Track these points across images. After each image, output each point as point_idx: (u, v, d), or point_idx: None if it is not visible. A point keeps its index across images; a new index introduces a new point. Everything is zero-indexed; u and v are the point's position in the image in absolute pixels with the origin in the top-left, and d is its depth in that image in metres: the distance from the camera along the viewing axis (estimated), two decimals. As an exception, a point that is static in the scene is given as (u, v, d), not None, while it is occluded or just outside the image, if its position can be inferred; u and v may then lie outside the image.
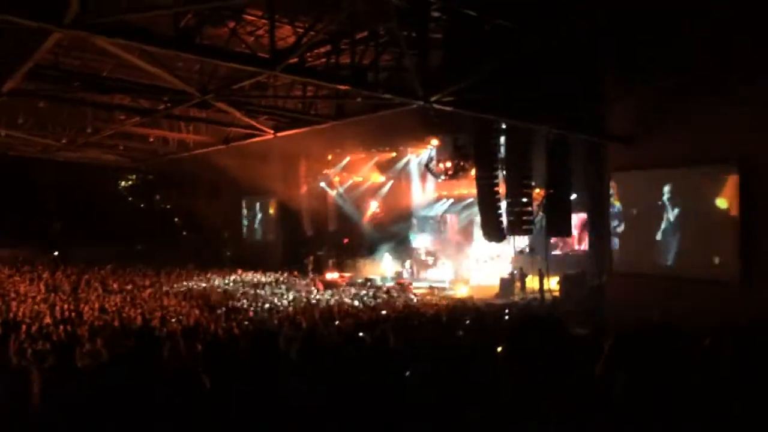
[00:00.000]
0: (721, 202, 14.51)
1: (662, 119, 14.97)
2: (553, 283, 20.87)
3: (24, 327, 11.03)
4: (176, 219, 38.94)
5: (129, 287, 20.14)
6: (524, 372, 2.01)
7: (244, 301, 18.24)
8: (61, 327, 11.74)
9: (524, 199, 17.12)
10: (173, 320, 13.39)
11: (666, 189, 15.78)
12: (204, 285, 22.50)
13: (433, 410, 3.43)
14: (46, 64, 12.82)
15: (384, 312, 16.49)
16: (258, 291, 21.06)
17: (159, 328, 11.65)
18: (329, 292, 21.39)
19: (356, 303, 18.53)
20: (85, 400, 3.25)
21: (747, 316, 10.14)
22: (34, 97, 16.48)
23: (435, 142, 23.98)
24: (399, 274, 26.36)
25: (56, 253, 30.70)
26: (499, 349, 2.33)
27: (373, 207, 29.73)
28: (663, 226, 15.84)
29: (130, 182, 39.75)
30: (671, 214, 15.65)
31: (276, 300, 18.75)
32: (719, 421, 2.23)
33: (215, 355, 5.60)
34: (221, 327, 12.11)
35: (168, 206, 39.72)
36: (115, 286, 20.21)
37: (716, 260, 14.65)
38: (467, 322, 12.98)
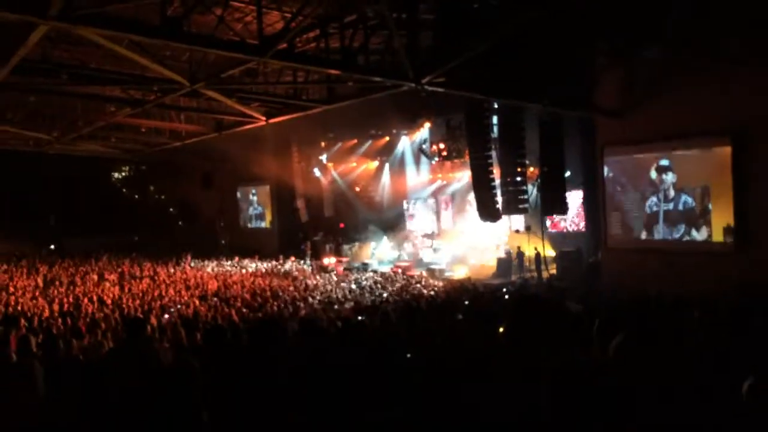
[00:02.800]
0: (714, 175, 14.57)
1: (652, 93, 14.98)
2: (550, 259, 20.96)
3: (23, 321, 11.04)
4: (171, 209, 38.89)
5: (127, 278, 20.16)
6: (523, 346, 2.05)
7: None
8: (60, 320, 11.76)
9: (518, 179, 17.13)
10: (172, 310, 13.43)
11: (658, 163, 15.83)
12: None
13: (433, 389, 3.46)
14: (34, 57, 12.71)
15: (385, 295, 16.57)
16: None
17: (159, 318, 11.70)
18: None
19: (354, 287, 18.58)
20: (87, 393, 3.27)
21: (742, 281, 10.28)
22: (24, 91, 16.35)
23: (428, 124, 23.90)
24: (397, 258, 26.41)
25: (52, 246, 30.69)
26: (501, 329, 2.37)
27: (368, 191, 29.73)
28: (656, 200, 15.92)
29: (123, 174, 39.67)
30: (664, 188, 15.71)
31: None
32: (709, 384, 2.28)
33: (215, 342, 5.62)
34: (221, 315, 12.16)
35: (163, 196, 39.66)
36: (112, 277, 20.20)
37: (711, 231, 14.76)
38: (466, 302, 13.10)
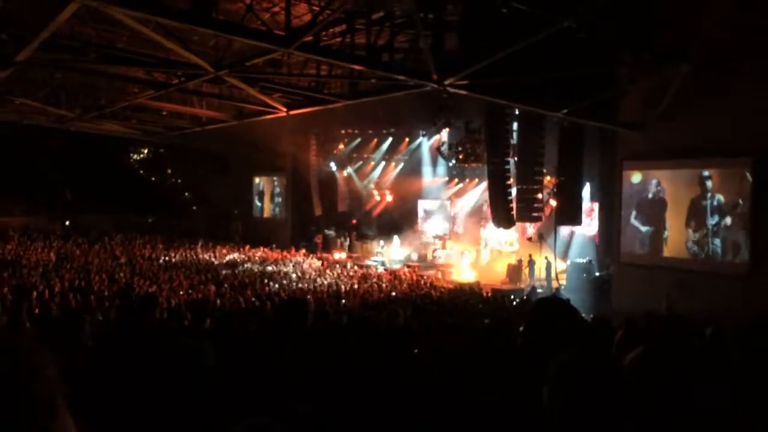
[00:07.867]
0: (733, 195, 14.44)
1: (676, 109, 14.83)
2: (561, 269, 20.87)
3: (35, 293, 11.15)
4: (186, 193, 39.09)
5: (138, 258, 20.30)
6: (539, 350, 2.05)
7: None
8: (71, 295, 11.87)
9: (535, 186, 17.07)
10: (181, 293, 13.51)
11: (677, 180, 15.70)
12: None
13: (441, 388, 3.47)
14: (62, 33, 12.83)
15: (393, 293, 16.56)
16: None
17: (167, 300, 11.76)
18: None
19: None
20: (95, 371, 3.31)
21: (754, 308, 10.16)
22: (49, 67, 16.50)
23: (447, 129, 23.82)
24: (407, 257, 26.39)
25: (67, 223, 30.95)
26: (521, 328, 2.37)
27: (382, 188, 29.74)
28: (672, 217, 15.79)
29: (142, 155, 39.89)
30: (681, 206, 15.58)
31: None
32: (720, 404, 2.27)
33: (223, 329, 5.65)
34: (228, 301, 12.23)
35: (179, 180, 39.86)
36: (124, 258, 20.34)
37: (726, 254, 14.61)
38: (471, 302, 13.07)
